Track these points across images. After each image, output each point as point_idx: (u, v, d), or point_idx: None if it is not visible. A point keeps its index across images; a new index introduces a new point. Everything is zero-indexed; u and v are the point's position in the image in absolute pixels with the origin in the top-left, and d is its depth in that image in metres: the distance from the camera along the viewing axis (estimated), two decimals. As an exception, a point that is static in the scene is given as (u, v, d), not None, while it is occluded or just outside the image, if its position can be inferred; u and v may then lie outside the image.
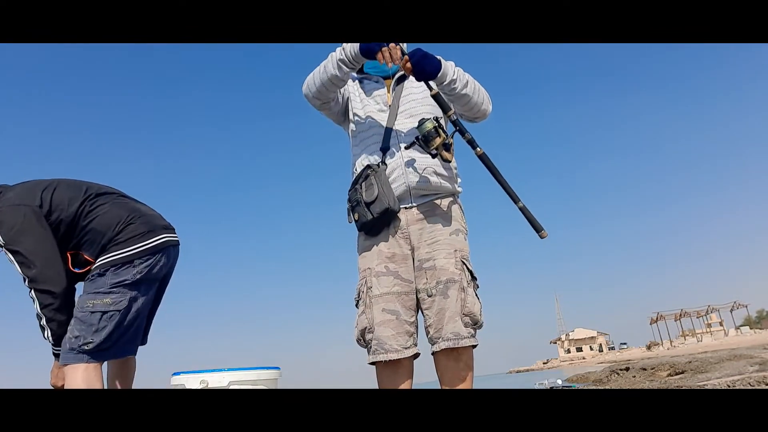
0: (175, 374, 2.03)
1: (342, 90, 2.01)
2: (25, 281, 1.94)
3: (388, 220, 1.83)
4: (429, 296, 1.80)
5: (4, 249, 1.95)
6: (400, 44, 1.74)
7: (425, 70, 1.76)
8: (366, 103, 2.01)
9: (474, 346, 1.80)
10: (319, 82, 1.89)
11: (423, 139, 1.78)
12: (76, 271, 2.02)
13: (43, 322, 1.94)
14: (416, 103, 1.97)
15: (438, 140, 1.76)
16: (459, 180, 2.00)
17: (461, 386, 1.78)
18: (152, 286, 2.13)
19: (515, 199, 1.81)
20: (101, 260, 2.00)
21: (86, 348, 1.92)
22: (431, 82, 1.80)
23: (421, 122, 1.78)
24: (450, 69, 1.80)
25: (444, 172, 1.91)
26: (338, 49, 1.82)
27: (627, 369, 13.67)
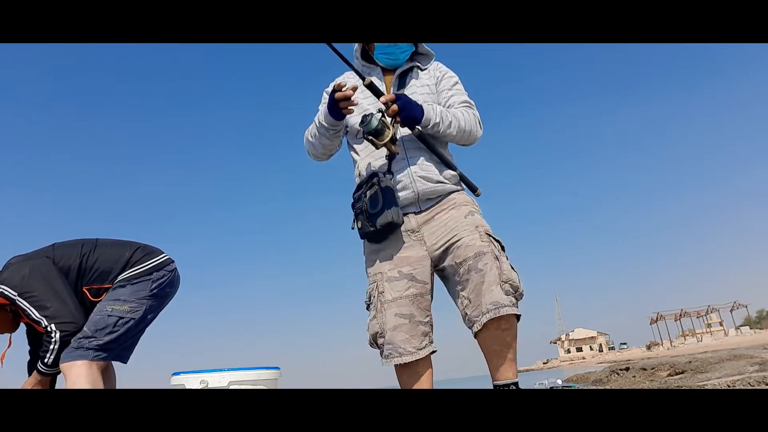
0: (175, 374, 2.04)
1: None
2: (41, 323, 2.04)
3: (391, 232, 1.83)
4: (461, 276, 1.76)
5: (18, 300, 2.06)
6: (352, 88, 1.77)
7: (413, 115, 1.79)
8: (366, 106, 1.94)
9: (518, 317, 1.72)
10: (317, 148, 1.98)
11: (374, 135, 1.75)
12: (95, 300, 2.17)
13: (55, 346, 2.02)
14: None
15: (388, 133, 1.75)
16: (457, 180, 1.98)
17: (507, 353, 1.73)
18: (162, 304, 2.30)
19: (453, 167, 1.91)
20: (122, 276, 2.18)
21: (94, 344, 2.01)
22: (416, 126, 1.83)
23: (365, 118, 1.75)
24: (432, 113, 1.83)
25: (450, 177, 1.91)
26: (315, 121, 1.93)
27: (627, 369, 13.66)
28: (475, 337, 1.76)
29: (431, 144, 1.87)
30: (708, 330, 55.03)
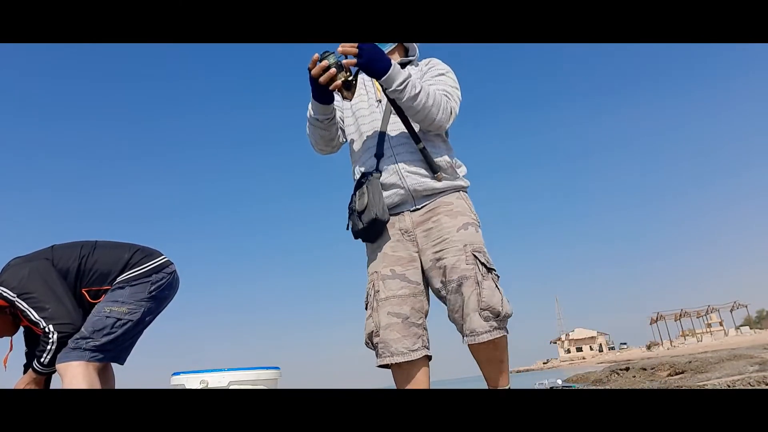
0: (175, 374, 2.04)
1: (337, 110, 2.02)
2: (39, 324, 2.04)
3: (379, 229, 1.86)
4: (447, 294, 1.80)
5: (17, 301, 2.07)
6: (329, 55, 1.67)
7: (375, 66, 1.70)
8: (358, 107, 2.00)
9: (499, 339, 1.73)
10: (316, 140, 1.99)
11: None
12: (94, 301, 2.17)
13: (52, 346, 2.03)
14: None
15: (341, 75, 1.66)
16: (462, 173, 1.96)
17: (498, 366, 1.80)
18: (161, 306, 2.30)
19: (417, 140, 1.86)
20: (121, 278, 2.18)
21: (91, 345, 2.01)
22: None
23: (323, 55, 1.66)
24: (399, 76, 1.73)
25: (446, 171, 1.88)
26: (307, 114, 1.91)
27: (627, 369, 13.67)
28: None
29: (406, 119, 1.86)
30: (708, 330, 55.06)
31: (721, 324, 57.96)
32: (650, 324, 57.65)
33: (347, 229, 1.93)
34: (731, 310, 55.60)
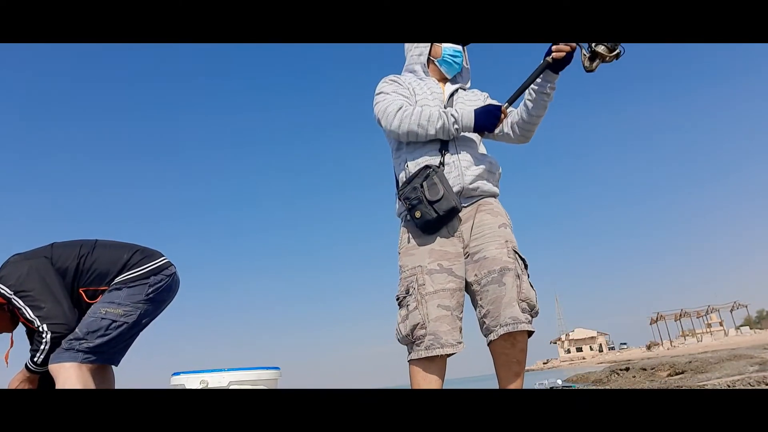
0: (175, 374, 2.04)
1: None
2: (34, 323, 2.03)
3: (450, 219, 1.88)
4: (482, 287, 1.83)
5: (13, 298, 2.06)
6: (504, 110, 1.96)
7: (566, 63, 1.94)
8: (424, 103, 2.05)
9: (530, 333, 1.81)
10: (417, 131, 1.96)
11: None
12: (91, 301, 2.15)
13: (46, 346, 2.02)
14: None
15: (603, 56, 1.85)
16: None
17: (516, 369, 1.81)
18: (159, 309, 2.28)
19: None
20: (119, 278, 2.16)
21: (84, 347, 2.00)
22: (541, 80, 1.97)
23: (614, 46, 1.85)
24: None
25: (492, 177, 2.02)
26: (452, 123, 1.93)
27: (627, 369, 13.69)
28: (488, 345, 1.84)
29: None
30: (708, 330, 55.02)
31: (721, 324, 57.93)
32: (650, 324, 57.67)
33: (411, 218, 1.90)
34: (731, 310, 55.59)
